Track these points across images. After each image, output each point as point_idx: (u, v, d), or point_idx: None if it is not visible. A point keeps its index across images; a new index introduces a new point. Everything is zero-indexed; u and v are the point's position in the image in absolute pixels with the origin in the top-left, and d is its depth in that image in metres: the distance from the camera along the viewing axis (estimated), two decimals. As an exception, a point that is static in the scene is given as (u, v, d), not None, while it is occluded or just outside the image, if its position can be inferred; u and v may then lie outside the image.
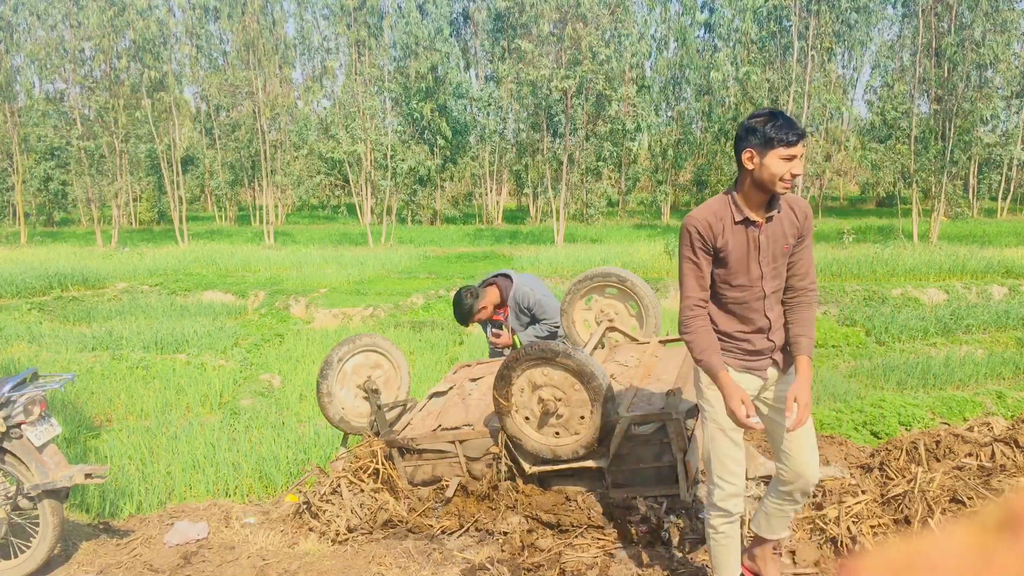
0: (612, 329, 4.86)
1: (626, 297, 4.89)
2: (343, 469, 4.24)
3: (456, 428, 4.15)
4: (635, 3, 33.23)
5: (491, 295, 4.97)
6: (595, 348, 4.59)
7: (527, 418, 3.81)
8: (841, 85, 36.47)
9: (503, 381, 3.76)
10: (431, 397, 4.75)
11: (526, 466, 3.87)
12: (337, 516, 3.96)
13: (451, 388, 4.79)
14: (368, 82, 31.74)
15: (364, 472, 4.16)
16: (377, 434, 4.32)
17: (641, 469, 3.77)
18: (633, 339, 4.85)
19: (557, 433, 3.78)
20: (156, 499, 5.81)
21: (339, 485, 4.10)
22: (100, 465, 4.41)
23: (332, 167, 37.40)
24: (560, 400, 3.70)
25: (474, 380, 4.78)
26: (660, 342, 4.74)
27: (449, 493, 3.95)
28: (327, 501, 4.06)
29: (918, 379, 10.32)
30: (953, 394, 9.18)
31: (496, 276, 5.09)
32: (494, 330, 5.15)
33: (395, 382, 4.72)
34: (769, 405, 2.97)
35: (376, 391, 4.36)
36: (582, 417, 3.69)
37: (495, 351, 5.30)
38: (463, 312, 4.92)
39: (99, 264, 20.06)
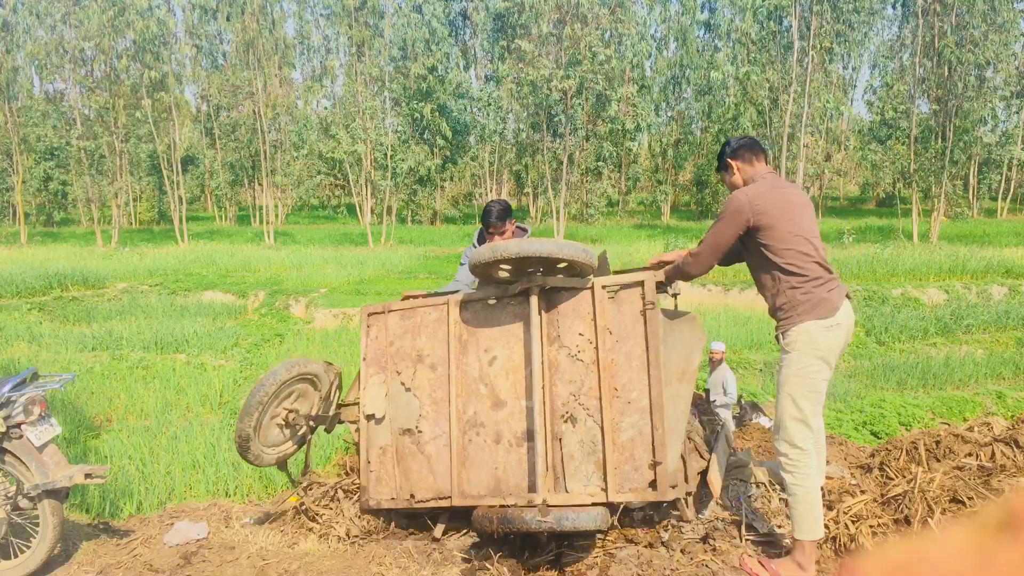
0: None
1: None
2: (340, 477, 4.19)
3: (436, 499, 3.80)
4: (635, 3, 33.25)
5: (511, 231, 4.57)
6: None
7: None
8: (841, 85, 36.47)
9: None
10: (368, 417, 4.01)
11: None
12: (337, 523, 3.96)
13: (385, 391, 3.99)
14: (368, 82, 31.75)
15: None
16: (318, 421, 4.19)
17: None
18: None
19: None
20: (156, 499, 5.82)
21: (337, 493, 4.08)
22: (100, 465, 4.41)
23: (332, 167, 37.43)
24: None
25: (400, 375, 3.96)
26: (604, 288, 3.60)
27: (437, 534, 3.85)
28: (325, 506, 4.06)
29: (918, 379, 10.32)
30: (953, 394, 9.18)
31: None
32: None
33: (312, 395, 4.28)
34: None
35: (303, 432, 4.18)
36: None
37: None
38: (502, 207, 4.45)
39: (99, 264, 20.06)
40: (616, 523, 3.56)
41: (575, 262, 3.39)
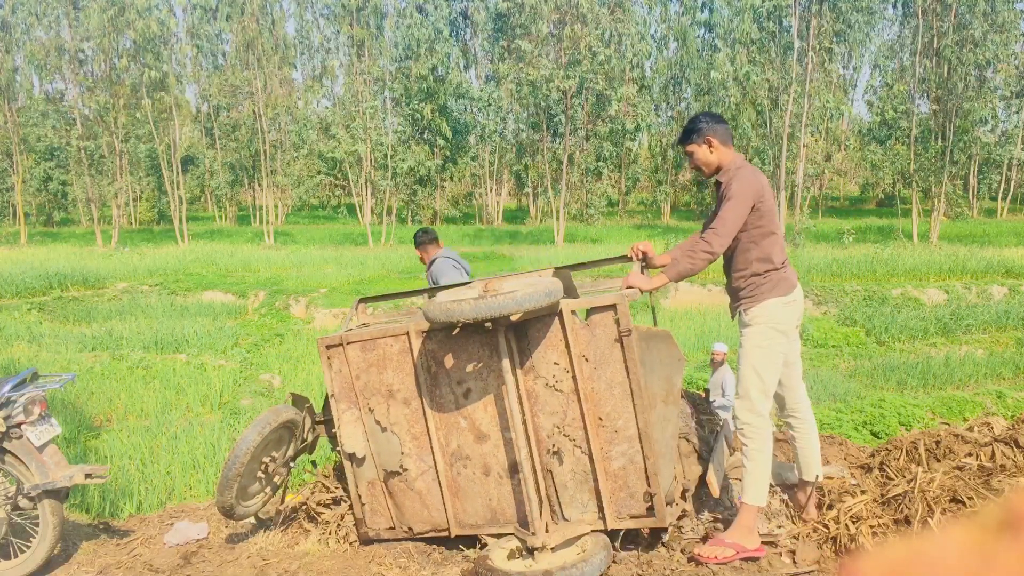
0: None
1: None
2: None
3: (434, 531, 3.78)
4: (635, 3, 33.26)
5: (431, 251, 5.71)
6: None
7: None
8: (841, 85, 36.46)
9: None
10: (350, 457, 3.82)
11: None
12: (338, 526, 3.95)
13: (362, 428, 3.80)
14: (369, 82, 31.75)
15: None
16: (303, 443, 4.18)
17: None
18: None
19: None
20: (156, 499, 5.82)
21: (340, 497, 4.07)
22: (100, 465, 4.41)
23: (332, 167, 37.43)
24: None
25: (373, 412, 3.76)
26: (573, 313, 3.43)
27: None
28: (327, 506, 4.05)
29: (918, 379, 10.32)
30: (953, 394, 9.18)
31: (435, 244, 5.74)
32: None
33: (289, 437, 4.16)
34: None
35: (282, 478, 4.14)
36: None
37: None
38: (428, 235, 5.75)
39: (99, 264, 20.06)
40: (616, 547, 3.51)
41: (539, 308, 3.16)
